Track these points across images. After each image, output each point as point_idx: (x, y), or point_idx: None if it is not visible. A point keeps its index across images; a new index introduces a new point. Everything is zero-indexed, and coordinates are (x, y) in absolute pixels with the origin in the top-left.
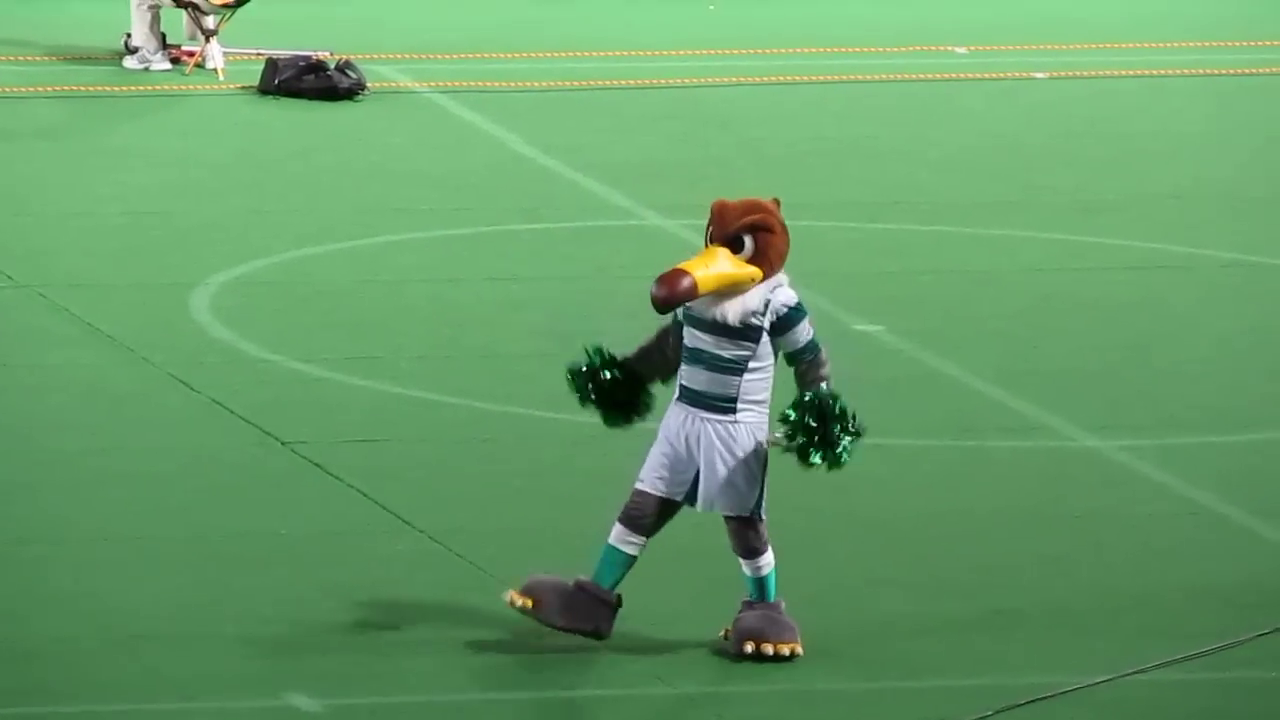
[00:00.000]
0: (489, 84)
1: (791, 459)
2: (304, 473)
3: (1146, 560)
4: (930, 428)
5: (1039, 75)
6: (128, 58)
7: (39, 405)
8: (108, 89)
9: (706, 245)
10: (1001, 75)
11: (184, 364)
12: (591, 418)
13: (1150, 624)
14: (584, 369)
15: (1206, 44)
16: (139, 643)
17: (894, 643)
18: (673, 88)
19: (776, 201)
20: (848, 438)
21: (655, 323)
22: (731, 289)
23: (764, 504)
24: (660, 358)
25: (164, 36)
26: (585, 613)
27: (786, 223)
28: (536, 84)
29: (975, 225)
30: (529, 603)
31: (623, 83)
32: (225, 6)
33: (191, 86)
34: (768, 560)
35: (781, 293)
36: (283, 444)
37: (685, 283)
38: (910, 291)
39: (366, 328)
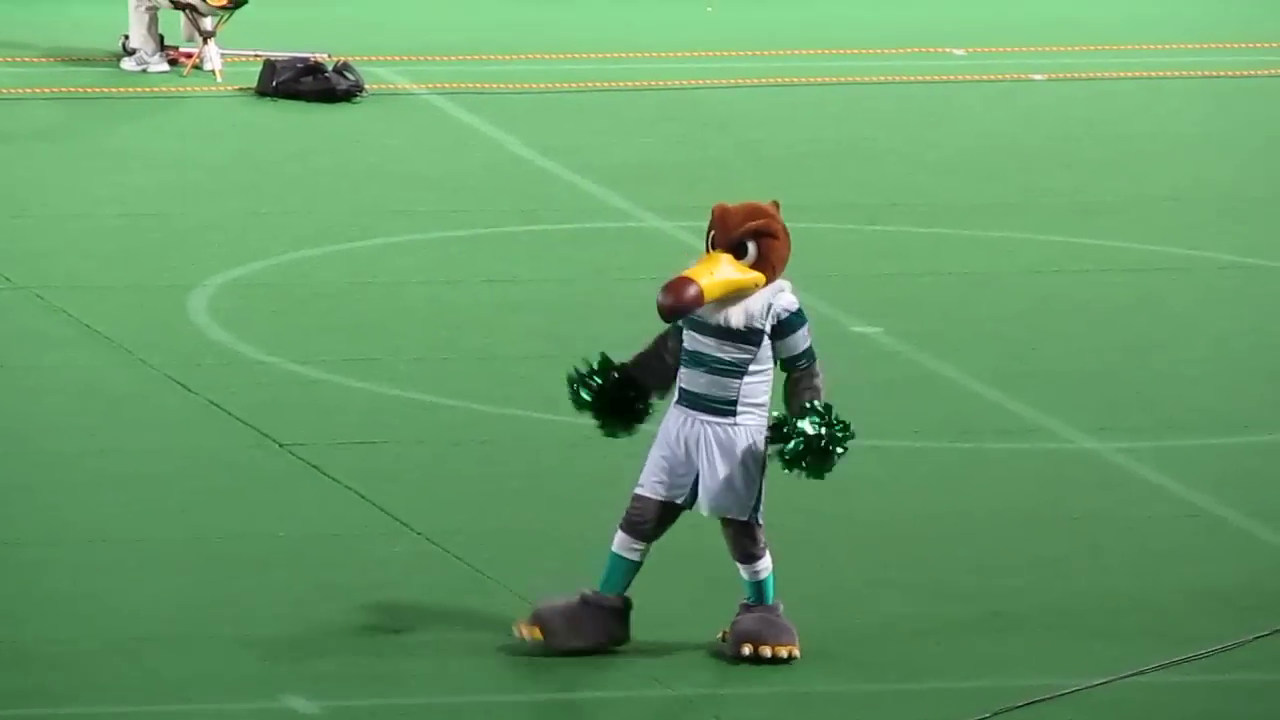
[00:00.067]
0: (487, 86)
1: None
2: (302, 474)
3: (1144, 562)
4: (928, 429)
5: (1037, 77)
6: (125, 59)
7: (36, 407)
8: (105, 91)
9: (707, 250)
10: (1000, 77)
11: (181, 365)
12: (590, 419)
13: (1148, 626)
14: (584, 375)
15: (1204, 46)
16: (137, 644)
17: (892, 645)
18: (671, 89)
19: (776, 204)
20: (840, 449)
21: (654, 325)
22: (736, 295)
23: (761, 508)
24: (660, 364)
25: (162, 38)
26: (595, 628)
27: (785, 224)
28: (534, 86)
29: (973, 227)
30: (538, 634)
31: (621, 84)
32: (223, 8)
33: (189, 88)
34: (765, 565)
35: (784, 297)
36: (280, 446)
37: (691, 291)
38: (908, 293)
39: (364, 329)
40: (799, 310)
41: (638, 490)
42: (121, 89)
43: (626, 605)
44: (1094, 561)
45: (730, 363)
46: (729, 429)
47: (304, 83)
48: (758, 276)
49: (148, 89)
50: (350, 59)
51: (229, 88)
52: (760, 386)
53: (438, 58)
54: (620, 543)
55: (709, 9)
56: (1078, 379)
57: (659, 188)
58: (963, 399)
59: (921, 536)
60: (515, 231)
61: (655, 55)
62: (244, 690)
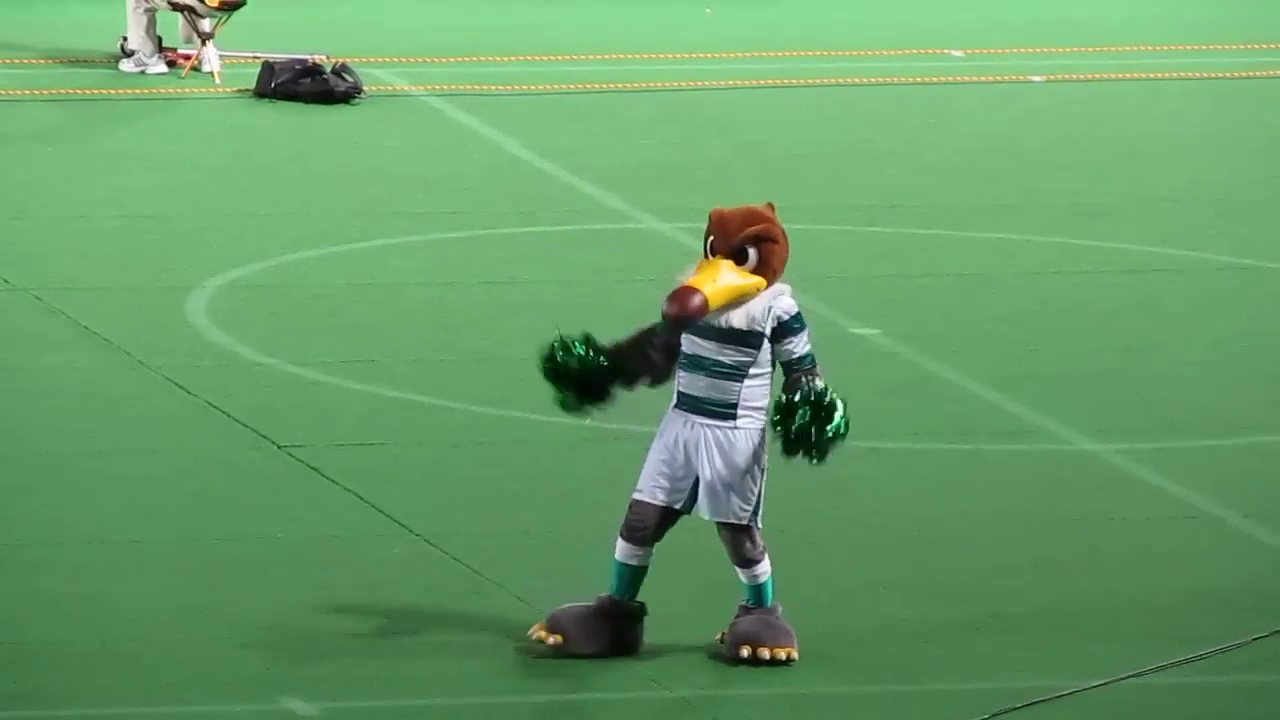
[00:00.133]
0: (485, 87)
1: (788, 459)
2: (300, 476)
3: (1143, 564)
4: (927, 431)
5: (1036, 79)
6: (124, 61)
7: (34, 408)
8: (104, 92)
9: (706, 254)
10: (998, 79)
11: (180, 367)
12: (591, 420)
13: (1147, 627)
14: (569, 342)
15: (1203, 47)
16: (135, 646)
17: (890, 646)
18: (669, 91)
19: (771, 206)
20: (842, 417)
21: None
22: (738, 300)
23: (760, 512)
24: (640, 359)
25: (160, 40)
26: (610, 633)
27: (783, 226)
28: (533, 87)
29: (972, 228)
30: (559, 639)
31: (619, 86)
32: (221, 9)
33: (187, 90)
34: (764, 569)
35: (783, 301)
36: (279, 447)
37: (697, 300)
38: (907, 295)
39: (363, 331)
40: (798, 314)
41: (636, 495)
42: (120, 91)
43: (641, 610)
44: (1093, 562)
45: (730, 366)
46: (729, 432)
47: (302, 84)
48: (759, 281)
49: (146, 91)
50: (348, 60)
51: (227, 89)
52: (760, 390)
53: (436, 59)
54: (622, 551)
55: (707, 11)
56: (1076, 380)
57: (658, 189)
58: (961, 400)
59: (921, 538)
60: (514, 233)
61: (654, 57)
62: (243, 692)
